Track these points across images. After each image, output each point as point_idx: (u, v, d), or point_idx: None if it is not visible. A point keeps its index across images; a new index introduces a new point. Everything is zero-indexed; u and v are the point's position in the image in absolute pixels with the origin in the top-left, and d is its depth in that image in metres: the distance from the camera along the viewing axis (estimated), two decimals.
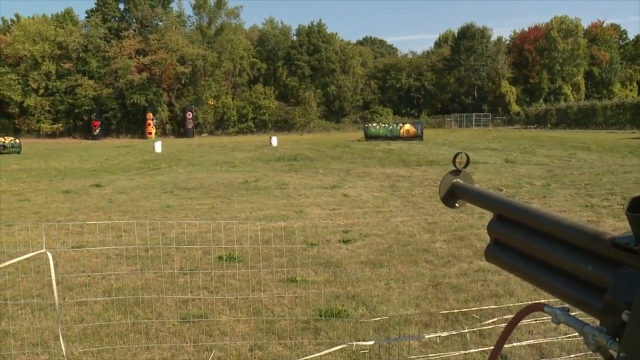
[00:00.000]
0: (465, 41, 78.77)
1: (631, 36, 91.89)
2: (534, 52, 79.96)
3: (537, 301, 1.70)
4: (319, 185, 15.59)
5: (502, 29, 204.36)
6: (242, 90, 74.47)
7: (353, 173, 18.87)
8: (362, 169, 20.44)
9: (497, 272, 6.58)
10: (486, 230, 1.79)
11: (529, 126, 69.74)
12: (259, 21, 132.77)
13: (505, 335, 1.86)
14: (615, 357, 1.36)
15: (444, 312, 5.26)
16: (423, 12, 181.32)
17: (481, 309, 5.20)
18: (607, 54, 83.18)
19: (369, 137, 43.07)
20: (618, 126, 58.63)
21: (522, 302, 5.06)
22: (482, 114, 75.46)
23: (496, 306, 5.21)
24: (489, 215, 1.61)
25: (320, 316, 5.25)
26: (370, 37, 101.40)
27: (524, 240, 1.80)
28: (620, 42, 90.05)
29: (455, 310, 5.27)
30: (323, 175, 18.23)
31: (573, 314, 1.49)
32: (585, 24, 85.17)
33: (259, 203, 12.47)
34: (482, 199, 2.08)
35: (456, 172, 2.13)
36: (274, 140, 39.57)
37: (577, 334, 3.75)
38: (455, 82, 78.98)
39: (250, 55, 75.29)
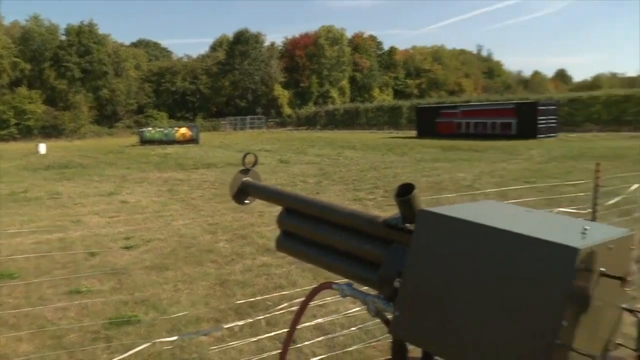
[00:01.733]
0: (240, 46, 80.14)
1: (386, 47, 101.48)
2: (304, 58, 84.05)
3: (326, 281, 1.96)
4: (95, 192, 14.98)
5: (275, 35, 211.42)
6: (2, 93, 67.99)
7: (130, 179, 18.37)
8: (139, 174, 19.97)
9: (279, 266, 6.99)
10: (266, 228, 1.99)
11: (300, 128, 72.93)
12: (21, 17, 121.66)
13: (298, 317, 2.08)
14: (390, 320, 1.62)
15: (241, 301, 5.51)
16: (198, 16, 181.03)
17: (267, 299, 5.52)
18: (368, 61, 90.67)
19: (144, 141, 41.95)
20: (378, 127, 63.87)
21: (304, 289, 5.42)
22: (256, 116, 77.23)
23: (279, 293, 5.57)
24: (268, 214, 1.82)
25: (111, 324, 5.19)
26: (145, 40, 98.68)
27: (310, 230, 2.00)
28: (377, 51, 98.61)
29: (245, 300, 5.54)
30: (98, 183, 17.50)
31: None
32: (349, 34, 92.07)
33: (31, 215, 11.67)
34: (271, 195, 2.29)
35: (245, 171, 2.34)
36: (42, 148, 36.82)
37: (352, 311, 4.20)
38: (230, 86, 79.98)
39: (12, 54, 69.01)
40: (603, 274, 1.38)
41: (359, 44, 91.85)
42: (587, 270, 1.30)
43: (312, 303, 4.66)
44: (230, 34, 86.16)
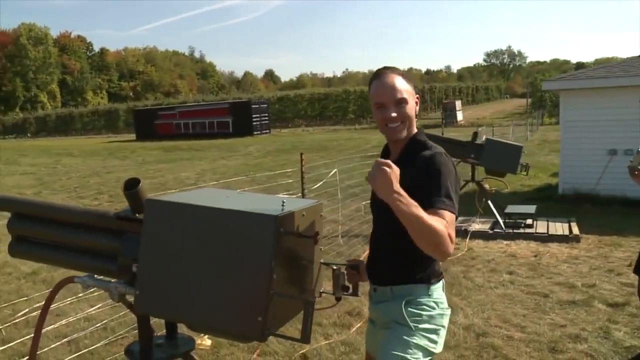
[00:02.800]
0: None
1: (96, 48, 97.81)
2: (4, 59, 76.90)
3: (67, 276, 2.12)
4: None
5: None
6: None
7: None
8: None
9: (7, 282, 6.70)
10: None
11: (7, 136, 66.74)
12: None
13: (43, 317, 2.17)
14: (133, 302, 1.89)
15: None
16: None
17: None
18: (78, 63, 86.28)
19: None
20: (95, 132, 61.50)
21: (37, 302, 5.31)
22: None
23: (7, 305, 5.43)
24: None
25: None
26: None
27: (44, 231, 2.14)
28: (87, 53, 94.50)
29: None
30: None
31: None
32: (54, 33, 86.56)
33: None
34: None
35: None
36: None
37: (91, 311, 4.47)
38: None
39: None
40: (299, 235, 1.85)
41: (66, 45, 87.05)
42: (286, 232, 1.76)
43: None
44: None
